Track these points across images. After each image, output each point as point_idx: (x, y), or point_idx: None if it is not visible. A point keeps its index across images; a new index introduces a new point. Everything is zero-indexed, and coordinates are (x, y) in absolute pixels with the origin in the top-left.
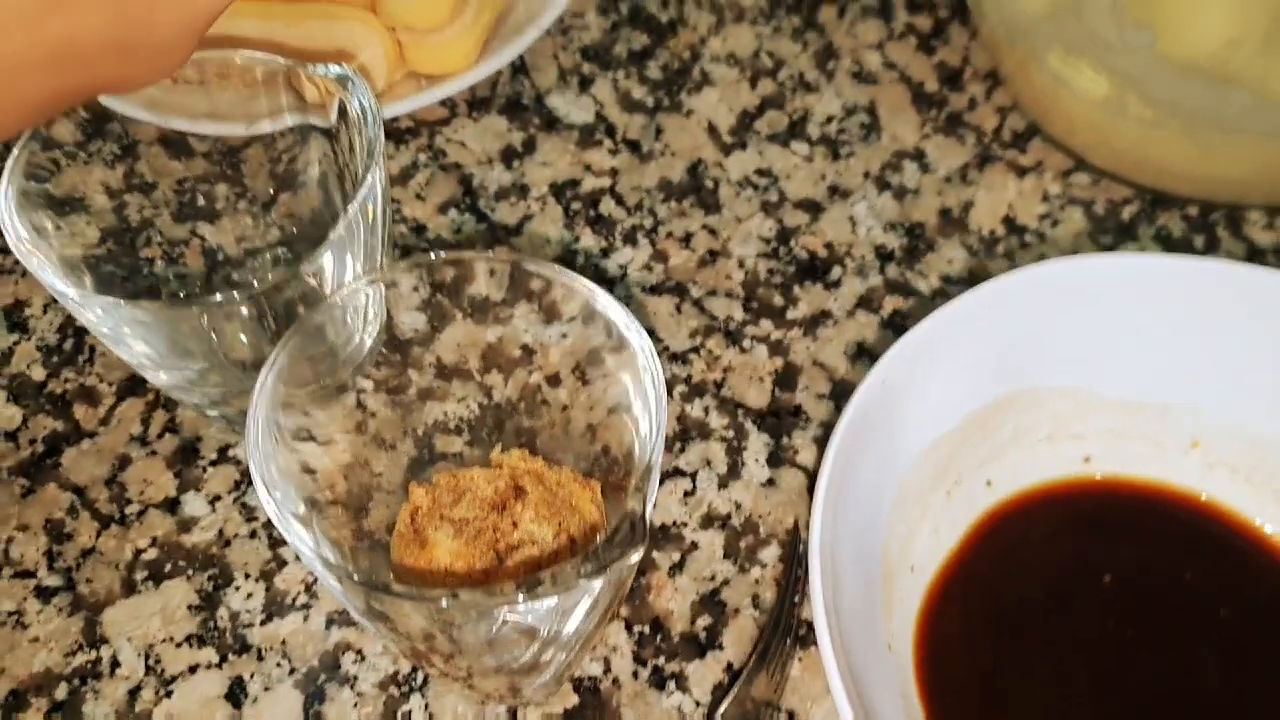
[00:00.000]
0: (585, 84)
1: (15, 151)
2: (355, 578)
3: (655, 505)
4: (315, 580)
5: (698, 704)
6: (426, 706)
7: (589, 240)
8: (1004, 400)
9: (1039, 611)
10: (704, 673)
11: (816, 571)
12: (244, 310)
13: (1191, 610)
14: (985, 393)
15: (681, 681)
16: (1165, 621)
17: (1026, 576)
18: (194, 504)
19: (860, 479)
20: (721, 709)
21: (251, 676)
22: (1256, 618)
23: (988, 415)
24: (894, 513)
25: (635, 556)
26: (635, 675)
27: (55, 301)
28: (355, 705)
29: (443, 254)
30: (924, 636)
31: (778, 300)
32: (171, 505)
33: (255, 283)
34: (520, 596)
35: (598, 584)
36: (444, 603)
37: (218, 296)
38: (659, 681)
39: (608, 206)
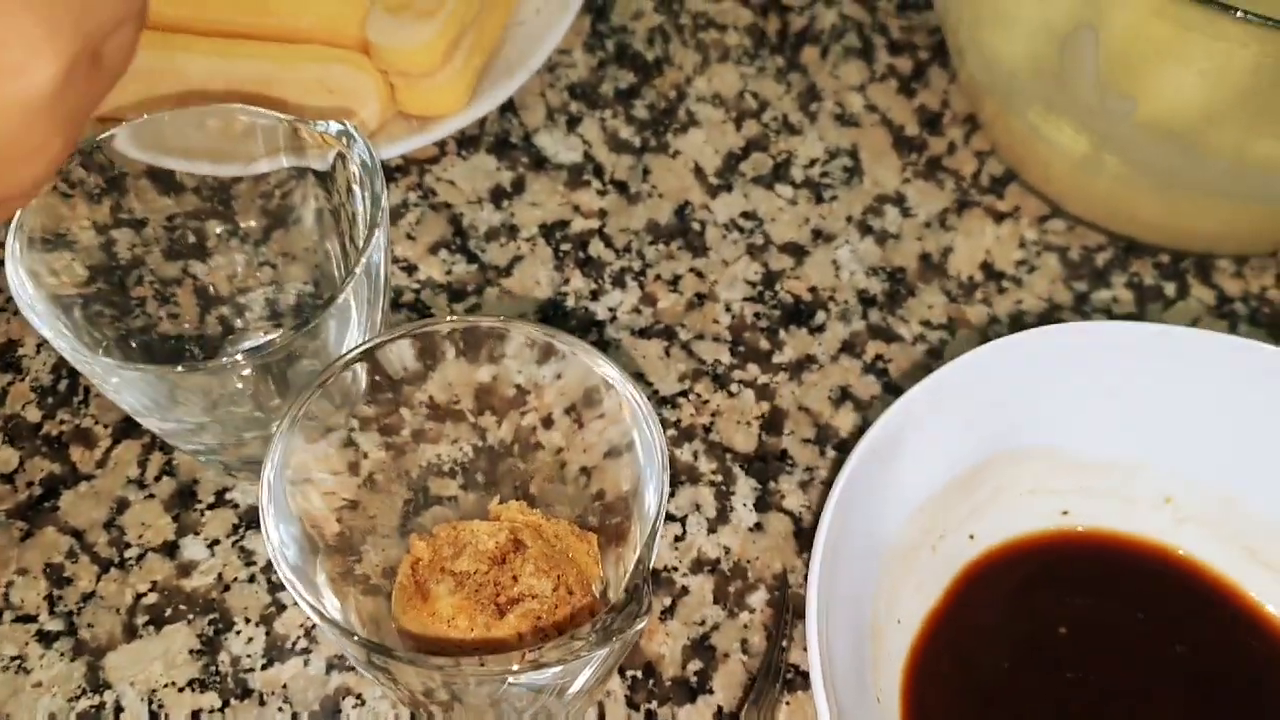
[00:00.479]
0: (573, 123)
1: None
2: (357, 638)
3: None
4: (315, 625)
5: None
6: None
7: (579, 282)
8: (987, 461)
9: (1021, 662)
10: (695, 717)
11: (814, 623)
12: (245, 371)
13: (1165, 660)
14: (970, 454)
15: None
16: (1142, 672)
17: (1008, 627)
18: (193, 548)
19: (854, 534)
20: None
21: None
22: (1226, 668)
23: (971, 475)
24: (883, 568)
25: (641, 625)
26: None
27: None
28: None
29: (434, 322)
30: (910, 689)
31: (764, 344)
32: (170, 549)
33: (256, 344)
34: (523, 668)
35: (603, 653)
36: (449, 670)
37: (223, 360)
38: None
39: (597, 248)
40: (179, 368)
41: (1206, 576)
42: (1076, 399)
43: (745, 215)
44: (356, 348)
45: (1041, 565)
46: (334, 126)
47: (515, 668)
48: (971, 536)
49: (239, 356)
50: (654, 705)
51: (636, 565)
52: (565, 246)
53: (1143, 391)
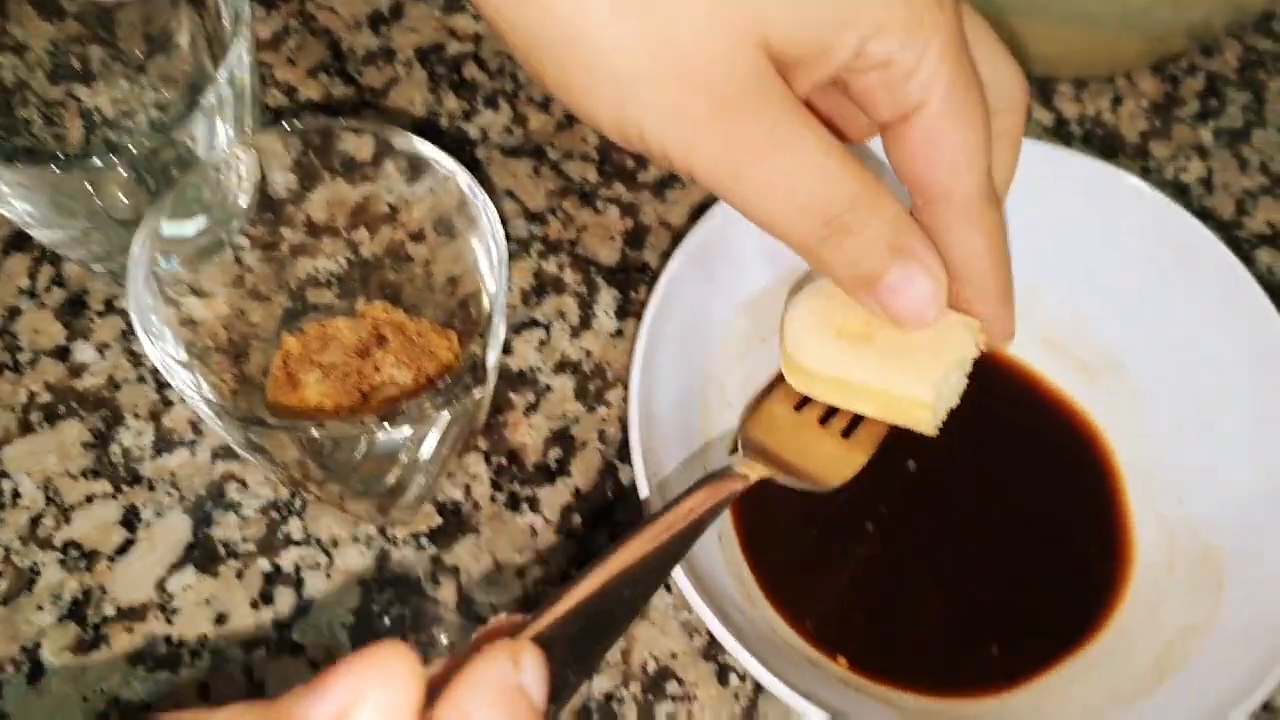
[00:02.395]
0: None
1: None
2: (233, 413)
3: (512, 353)
4: (201, 419)
5: (548, 521)
6: (305, 527)
7: (452, 104)
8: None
9: None
10: (554, 497)
11: (635, 402)
12: (122, 173)
13: (975, 440)
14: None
15: (534, 504)
16: (955, 452)
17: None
18: (84, 351)
19: (681, 327)
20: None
21: (144, 505)
22: (1024, 442)
23: (797, 274)
24: (713, 356)
25: (477, 395)
26: (493, 499)
27: None
28: (240, 528)
29: (305, 123)
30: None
31: (630, 163)
32: (62, 353)
33: (132, 147)
34: (379, 425)
35: (445, 416)
36: (313, 431)
37: (96, 161)
38: (514, 504)
39: (471, 71)
40: (53, 167)
41: (1010, 364)
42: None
43: None
44: (222, 148)
45: None
46: None
47: (370, 423)
48: None
49: (111, 156)
50: (517, 487)
51: (478, 339)
52: (440, 70)
53: None
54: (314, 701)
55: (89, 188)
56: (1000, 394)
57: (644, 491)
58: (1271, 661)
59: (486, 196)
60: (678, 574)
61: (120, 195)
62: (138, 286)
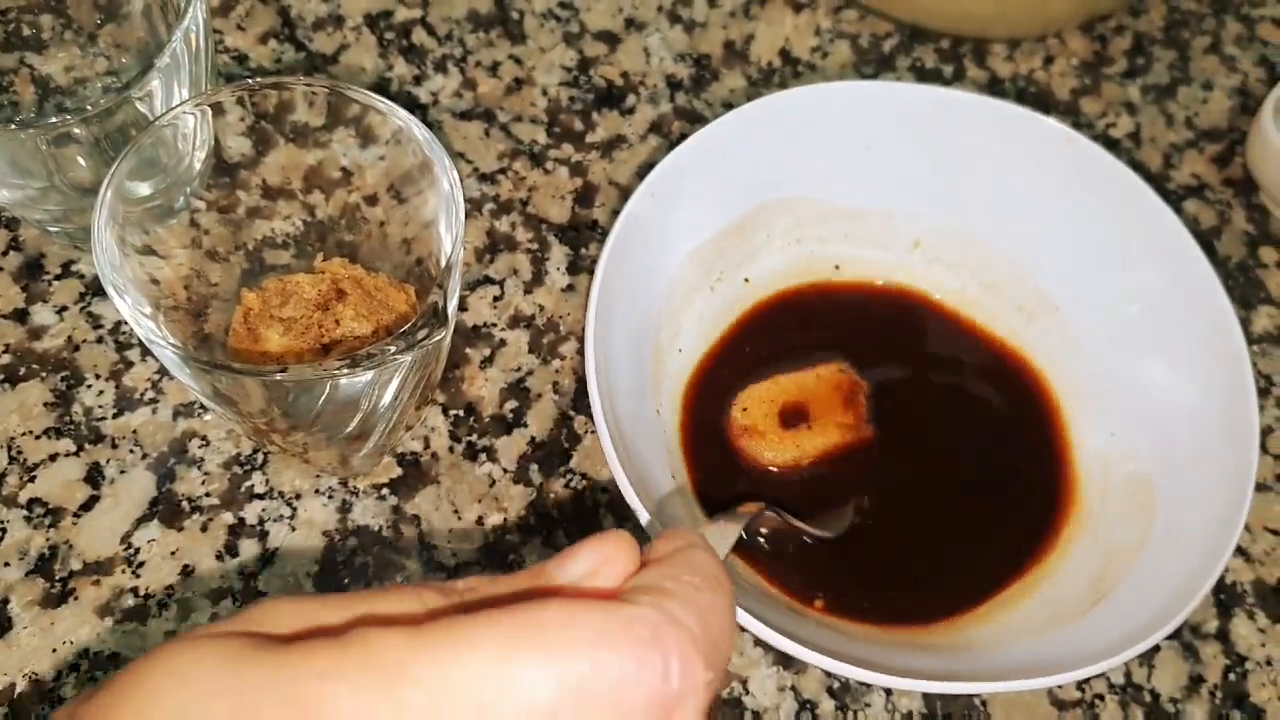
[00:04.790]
0: None
1: None
2: (201, 361)
3: (467, 310)
4: (161, 378)
5: (505, 470)
6: (268, 481)
7: (402, 69)
8: (756, 210)
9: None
10: (511, 447)
11: (591, 355)
12: (78, 132)
13: (915, 378)
14: (741, 203)
15: (492, 454)
16: (896, 388)
17: (779, 356)
18: (42, 314)
19: (632, 278)
20: None
21: (108, 462)
22: (964, 382)
23: (743, 223)
24: (664, 303)
25: (437, 337)
26: (451, 450)
27: None
28: (203, 483)
29: (261, 80)
30: (688, 403)
31: (578, 125)
32: (20, 315)
33: (90, 107)
34: (341, 368)
35: (406, 359)
36: (277, 375)
37: (54, 119)
38: (472, 454)
39: (420, 36)
40: (11, 125)
41: (949, 310)
42: (835, 154)
43: (562, 5)
44: (176, 107)
45: (810, 306)
46: None
47: (336, 367)
48: (747, 280)
49: (67, 116)
50: (474, 438)
51: (437, 289)
52: (390, 35)
53: (893, 147)
54: (569, 565)
55: (45, 148)
56: (943, 338)
57: (604, 435)
58: (1197, 581)
59: (441, 147)
60: (641, 515)
61: (77, 158)
62: (104, 241)
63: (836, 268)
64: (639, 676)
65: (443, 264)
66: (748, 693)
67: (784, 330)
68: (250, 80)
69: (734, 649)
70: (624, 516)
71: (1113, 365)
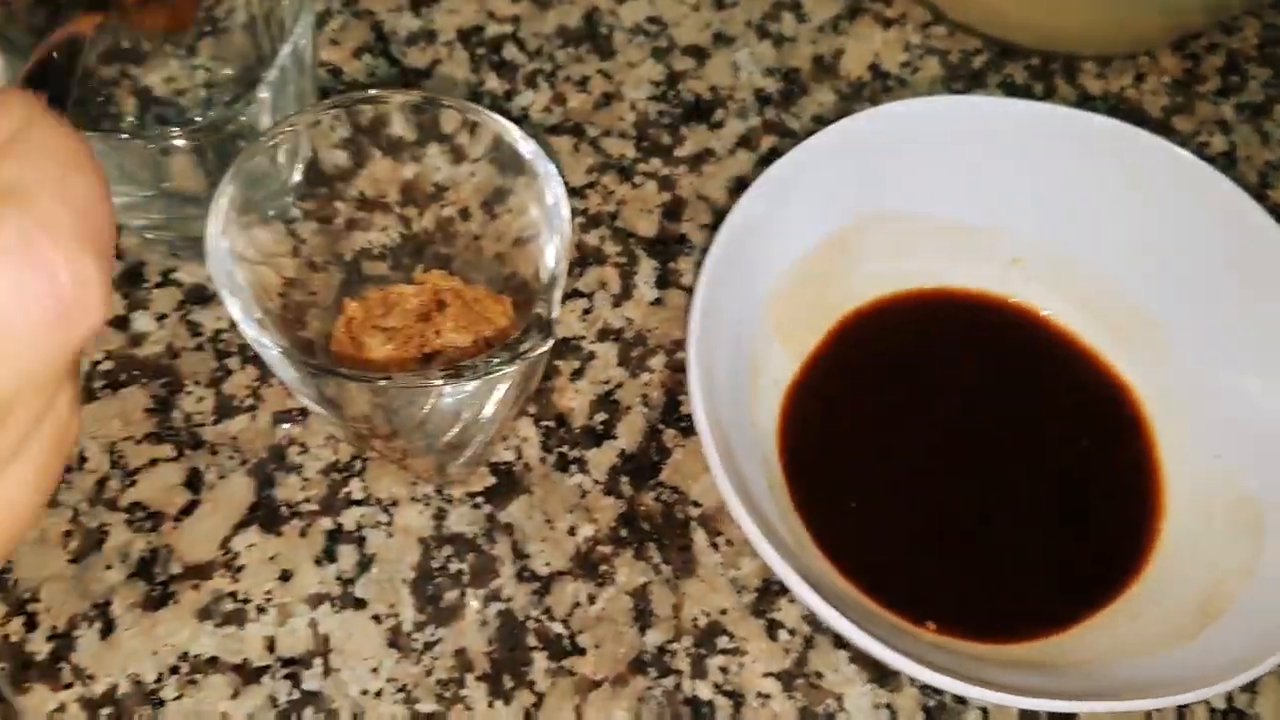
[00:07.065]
0: None
1: None
2: (311, 364)
3: (559, 320)
4: (260, 385)
5: (596, 482)
6: (365, 487)
7: (493, 83)
8: (856, 224)
9: (885, 396)
10: (601, 458)
11: (695, 371)
12: (183, 143)
13: (1009, 394)
14: (840, 217)
15: (583, 465)
16: (990, 404)
17: (876, 367)
18: (142, 321)
19: (731, 292)
20: None
21: (207, 467)
22: (1062, 398)
23: (843, 236)
24: (761, 318)
25: (543, 348)
26: (543, 460)
27: None
28: (302, 489)
29: (367, 93)
30: (785, 413)
31: (666, 139)
32: (122, 323)
33: (198, 119)
34: (447, 379)
35: (511, 370)
36: (382, 383)
37: (174, 129)
38: (563, 465)
39: (510, 51)
40: (123, 135)
41: (1049, 326)
42: (938, 170)
43: (650, 20)
44: (284, 121)
45: (909, 318)
46: None
47: (440, 380)
48: (844, 292)
49: (174, 129)
50: (565, 449)
51: (540, 301)
52: (481, 50)
53: (996, 163)
54: None
55: (154, 158)
56: (1042, 354)
57: (707, 442)
58: None
59: (545, 155)
60: (747, 527)
61: (182, 167)
62: (218, 248)
63: (936, 282)
64: (24, 292)
65: (545, 276)
66: (843, 709)
67: (882, 342)
68: (350, 94)
69: (115, 227)
70: (716, 531)
71: (1214, 383)
